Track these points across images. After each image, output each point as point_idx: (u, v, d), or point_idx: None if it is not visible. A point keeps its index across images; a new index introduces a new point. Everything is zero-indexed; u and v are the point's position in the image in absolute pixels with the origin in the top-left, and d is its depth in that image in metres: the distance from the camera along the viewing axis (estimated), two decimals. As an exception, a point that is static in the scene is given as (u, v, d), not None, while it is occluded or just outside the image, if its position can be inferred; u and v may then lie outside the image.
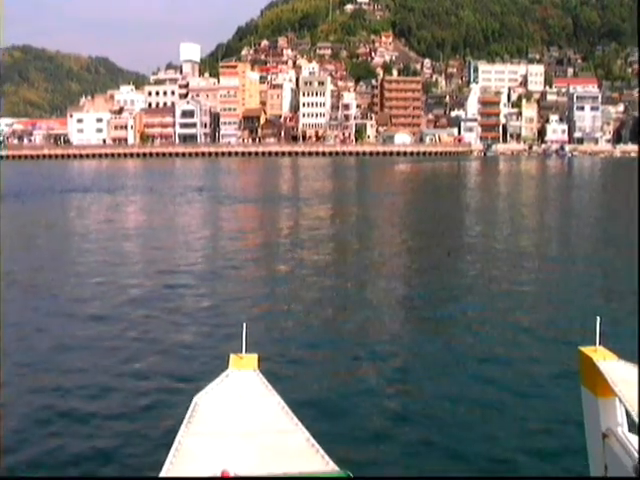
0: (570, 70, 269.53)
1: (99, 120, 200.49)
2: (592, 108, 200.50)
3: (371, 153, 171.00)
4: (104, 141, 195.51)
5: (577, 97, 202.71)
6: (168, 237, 35.66)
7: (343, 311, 19.52)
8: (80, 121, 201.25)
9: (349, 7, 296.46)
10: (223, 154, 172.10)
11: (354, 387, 13.03)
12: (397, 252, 30.71)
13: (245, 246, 32.36)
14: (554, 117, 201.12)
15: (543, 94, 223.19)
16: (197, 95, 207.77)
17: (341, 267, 26.97)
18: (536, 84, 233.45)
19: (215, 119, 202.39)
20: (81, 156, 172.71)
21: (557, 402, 11.76)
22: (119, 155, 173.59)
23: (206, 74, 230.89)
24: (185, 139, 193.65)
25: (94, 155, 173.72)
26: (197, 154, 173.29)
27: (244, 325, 6.04)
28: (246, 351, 5.89)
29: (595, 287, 22.56)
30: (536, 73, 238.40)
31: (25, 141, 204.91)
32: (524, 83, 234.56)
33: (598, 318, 6.25)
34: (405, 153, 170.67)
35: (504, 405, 12.08)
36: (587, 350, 6.17)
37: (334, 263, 27.91)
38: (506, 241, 34.05)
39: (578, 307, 19.08)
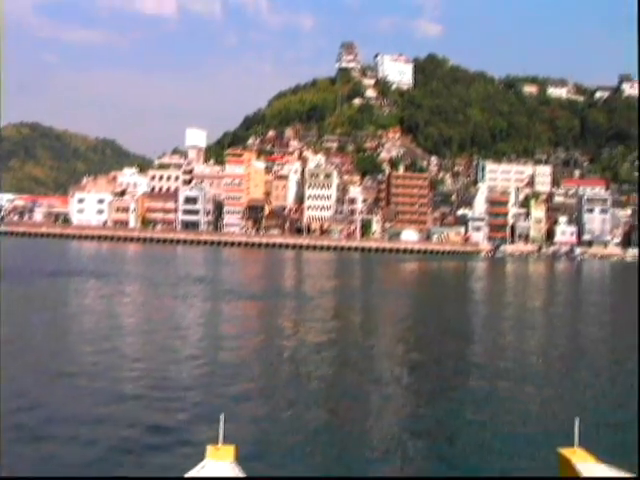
0: (577, 172, 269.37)
1: (100, 201, 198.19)
2: (601, 210, 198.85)
3: (377, 249, 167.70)
4: (105, 223, 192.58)
5: (586, 199, 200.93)
6: (155, 339, 32.44)
7: (332, 410, 20.88)
8: (81, 201, 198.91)
9: (357, 101, 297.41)
10: (226, 243, 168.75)
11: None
12: (397, 364, 29.71)
13: (241, 349, 31.00)
14: (563, 218, 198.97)
15: (550, 195, 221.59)
16: (201, 182, 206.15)
17: (336, 377, 26.37)
18: (543, 185, 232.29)
19: (218, 207, 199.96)
20: (80, 237, 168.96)
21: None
22: (119, 238, 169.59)
23: (211, 161, 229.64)
24: (187, 226, 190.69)
25: (93, 237, 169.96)
26: (199, 242, 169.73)
27: (222, 416, 6.47)
28: (224, 442, 6.16)
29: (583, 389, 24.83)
30: (543, 174, 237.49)
31: (25, 217, 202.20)
32: (531, 183, 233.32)
33: (577, 419, 6.77)
34: (412, 251, 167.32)
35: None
36: (566, 451, 6.39)
37: (329, 374, 26.79)
38: (502, 348, 34.73)
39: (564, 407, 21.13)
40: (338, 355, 30.74)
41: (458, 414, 20.73)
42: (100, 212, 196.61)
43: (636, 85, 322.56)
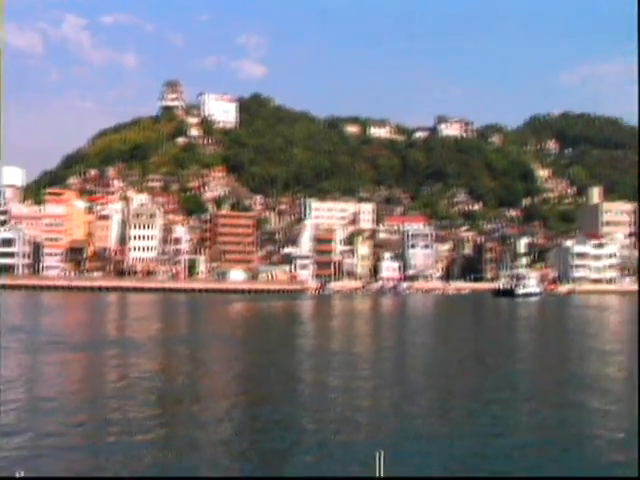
0: (398, 209, 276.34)
1: None
2: (424, 246, 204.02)
3: (204, 290, 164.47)
4: None
5: (410, 235, 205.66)
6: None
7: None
8: None
9: (181, 140, 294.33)
10: (45, 288, 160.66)
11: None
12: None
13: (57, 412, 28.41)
14: (387, 254, 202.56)
15: (374, 232, 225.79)
16: (19, 222, 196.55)
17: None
18: (366, 222, 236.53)
19: (37, 249, 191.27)
20: None
21: None
22: None
23: (29, 201, 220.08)
24: (2, 270, 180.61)
25: None
26: (15, 287, 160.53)
27: None
28: None
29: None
30: (366, 211, 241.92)
31: None
32: (355, 221, 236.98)
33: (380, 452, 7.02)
34: (239, 291, 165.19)
35: None
36: None
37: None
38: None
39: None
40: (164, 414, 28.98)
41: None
42: None
43: (452, 126, 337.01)
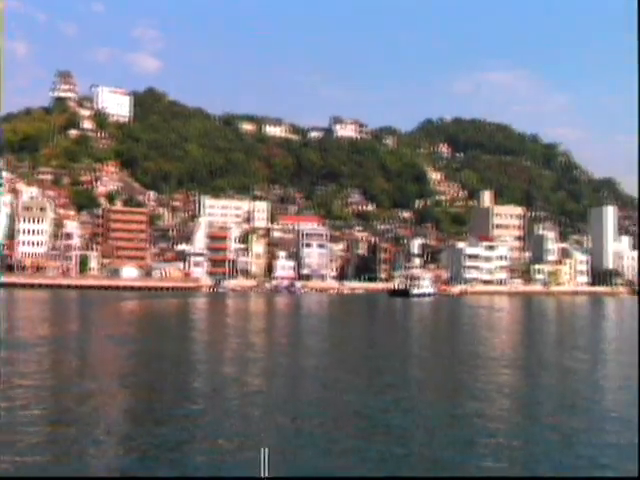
0: (293, 208, 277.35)
1: None
2: (319, 245, 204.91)
3: (96, 287, 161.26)
4: None
5: (305, 234, 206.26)
6: None
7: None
8: None
9: (73, 132, 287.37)
10: None
11: None
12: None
13: None
14: (282, 253, 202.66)
15: (268, 230, 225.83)
16: None
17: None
18: (261, 220, 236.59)
19: None
20: None
21: None
22: None
23: None
24: None
25: None
26: None
27: None
28: None
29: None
30: (261, 209, 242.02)
31: None
32: (249, 219, 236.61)
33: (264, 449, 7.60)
34: (132, 288, 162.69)
35: None
36: None
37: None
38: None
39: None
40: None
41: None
42: None
43: (346, 127, 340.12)
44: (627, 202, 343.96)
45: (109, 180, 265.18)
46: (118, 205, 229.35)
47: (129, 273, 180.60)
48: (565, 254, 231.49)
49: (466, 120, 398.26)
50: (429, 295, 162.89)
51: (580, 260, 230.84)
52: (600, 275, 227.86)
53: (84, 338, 60.90)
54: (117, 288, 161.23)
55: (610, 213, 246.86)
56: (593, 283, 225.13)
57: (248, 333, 69.18)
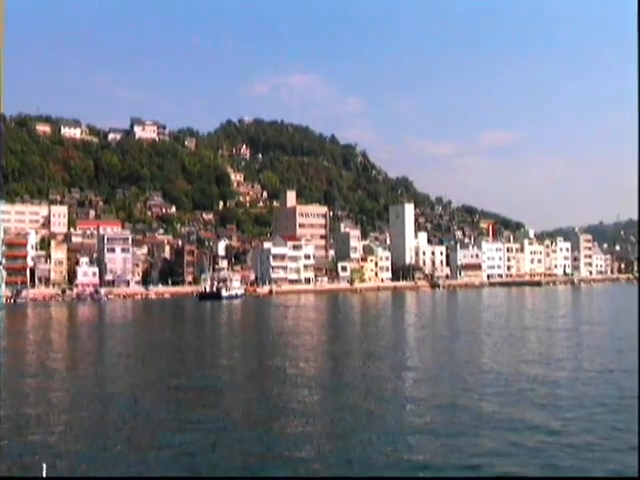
0: (92, 212, 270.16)
1: None
2: (122, 250, 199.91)
3: None
4: None
5: (107, 239, 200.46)
6: None
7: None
8: None
9: None
10: None
11: None
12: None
13: None
14: (84, 259, 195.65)
15: (68, 235, 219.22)
16: None
17: None
18: (59, 225, 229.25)
19: None
20: None
21: None
22: None
23: None
24: None
25: None
26: None
27: None
28: None
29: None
30: (59, 214, 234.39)
31: None
32: (47, 224, 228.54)
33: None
34: None
35: None
36: None
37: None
38: None
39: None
40: None
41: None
42: None
43: (146, 128, 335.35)
44: (421, 200, 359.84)
45: None
46: None
47: None
48: (368, 251, 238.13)
49: (266, 122, 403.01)
50: (238, 297, 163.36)
51: (382, 257, 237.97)
52: (401, 270, 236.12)
53: None
54: None
55: (408, 211, 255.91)
56: (395, 278, 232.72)
57: (46, 349, 65.54)
